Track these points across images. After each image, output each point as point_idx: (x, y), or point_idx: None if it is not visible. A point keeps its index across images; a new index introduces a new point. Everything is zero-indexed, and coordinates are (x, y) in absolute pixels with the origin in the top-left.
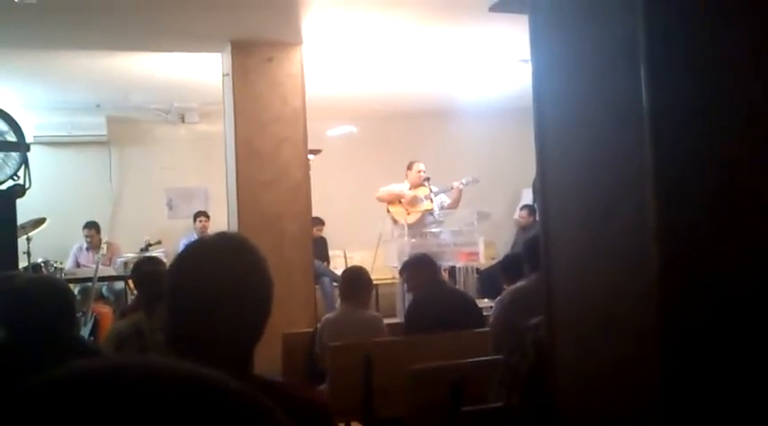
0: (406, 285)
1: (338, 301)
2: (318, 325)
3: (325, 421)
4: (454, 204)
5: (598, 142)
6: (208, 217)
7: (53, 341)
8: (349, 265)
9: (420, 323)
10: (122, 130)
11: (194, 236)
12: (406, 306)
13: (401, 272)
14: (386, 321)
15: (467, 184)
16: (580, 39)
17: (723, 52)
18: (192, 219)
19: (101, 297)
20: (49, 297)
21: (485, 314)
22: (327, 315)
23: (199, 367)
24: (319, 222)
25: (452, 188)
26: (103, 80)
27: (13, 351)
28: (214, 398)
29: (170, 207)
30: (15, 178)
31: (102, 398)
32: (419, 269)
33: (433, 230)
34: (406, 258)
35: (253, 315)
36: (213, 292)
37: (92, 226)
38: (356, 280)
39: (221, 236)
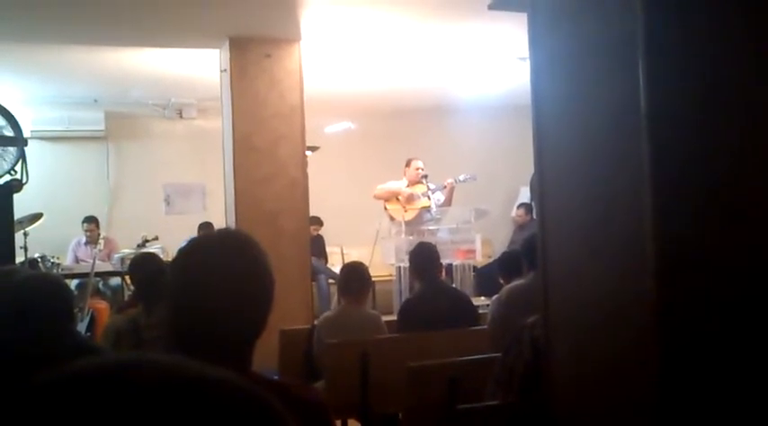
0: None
1: (334, 298)
2: (316, 322)
3: (324, 422)
4: (447, 201)
5: (596, 140)
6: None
7: (51, 337)
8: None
9: (413, 322)
10: (120, 125)
11: None
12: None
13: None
14: (383, 318)
15: (464, 181)
16: (579, 38)
17: (721, 52)
18: (191, 217)
19: (97, 293)
20: (47, 294)
21: (481, 312)
22: (326, 314)
23: (204, 365)
24: (317, 222)
25: (446, 185)
26: (101, 75)
27: (11, 348)
28: (222, 398)
29: (167, 203)
30: (12, 173)
31: (111, 397)
32: (419, 258)
33: (431, 227)
34: (403, 255)
35: (254, 313)
36: (217, 289)
37: (92, 221)
38: (354, 276)
39: (225, 233)
